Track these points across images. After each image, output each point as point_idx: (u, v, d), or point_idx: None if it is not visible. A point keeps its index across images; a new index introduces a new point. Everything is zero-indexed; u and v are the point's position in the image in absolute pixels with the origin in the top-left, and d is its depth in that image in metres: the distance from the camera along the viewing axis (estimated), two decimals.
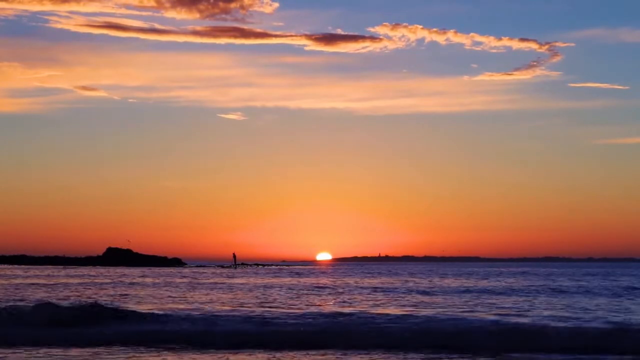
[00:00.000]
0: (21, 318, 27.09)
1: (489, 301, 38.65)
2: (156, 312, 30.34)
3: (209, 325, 26.34)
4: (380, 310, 32.08)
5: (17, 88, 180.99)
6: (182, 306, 34.80)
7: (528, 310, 32.62)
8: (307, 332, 24.96)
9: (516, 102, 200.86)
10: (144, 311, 30.27)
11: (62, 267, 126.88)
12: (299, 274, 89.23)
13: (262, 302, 37.55)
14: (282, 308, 33.72)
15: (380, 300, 39.78)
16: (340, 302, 38.51)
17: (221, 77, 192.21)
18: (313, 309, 32.71)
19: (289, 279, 73.45)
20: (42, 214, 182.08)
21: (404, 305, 35.54)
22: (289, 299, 40.50)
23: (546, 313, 31.40)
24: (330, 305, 35.50)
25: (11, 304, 32.92)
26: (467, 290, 48.01)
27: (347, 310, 32.02)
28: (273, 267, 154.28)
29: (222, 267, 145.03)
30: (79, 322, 26.65)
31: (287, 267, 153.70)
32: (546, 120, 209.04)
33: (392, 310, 32.16)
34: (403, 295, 43.35)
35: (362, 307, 34.14)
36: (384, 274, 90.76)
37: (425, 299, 40.56)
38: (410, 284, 58.16)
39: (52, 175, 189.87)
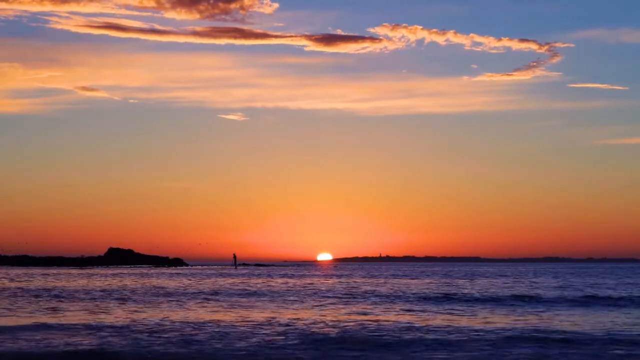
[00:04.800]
0: None
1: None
2: None
3: None
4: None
5: (18, 89, 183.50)
6: None
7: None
8: None
9: (516, 102, 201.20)
10: None
11: (78, 267, 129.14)
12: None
13: None
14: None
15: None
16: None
17: (221, 77, 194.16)
18: None
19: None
20: (43, 214, 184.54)
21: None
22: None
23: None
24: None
25: None
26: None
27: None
28: (274, 267, 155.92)
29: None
30: None
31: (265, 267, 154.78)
32: (546, 121, 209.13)
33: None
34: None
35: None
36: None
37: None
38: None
39: (53, 175, 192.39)
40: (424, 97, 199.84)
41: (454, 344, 23.66)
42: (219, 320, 30.00)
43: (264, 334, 25.82)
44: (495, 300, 42.15)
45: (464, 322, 30.08)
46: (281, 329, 27.23)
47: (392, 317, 32.02)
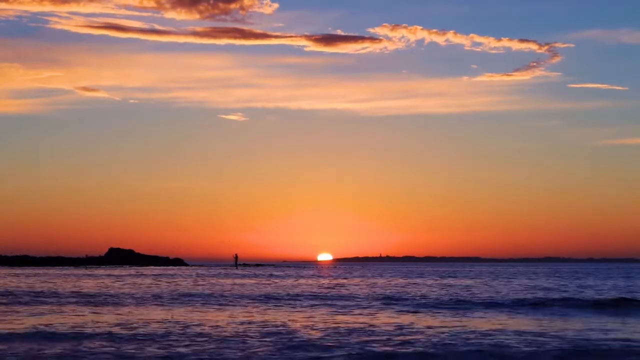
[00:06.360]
0: None
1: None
2: None
3: None
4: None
5: (18, 89, 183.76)
6: None
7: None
8: None
9: (516, 102, 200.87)
10: None
11: (79, 267, 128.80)
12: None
13: None
14: None
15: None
16: None
17: (221, 78, 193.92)
18: None
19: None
20: (43, 214, 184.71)
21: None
22: None
23: None
24: None
25: None
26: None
27: None
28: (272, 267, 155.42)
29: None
30: None
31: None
32: (546, 121, 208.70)
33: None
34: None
35: None
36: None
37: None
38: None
39: (53, 176, 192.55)
40: (424, 97, 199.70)
41: None
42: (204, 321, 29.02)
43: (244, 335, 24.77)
44: None
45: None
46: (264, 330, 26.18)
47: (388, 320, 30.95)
